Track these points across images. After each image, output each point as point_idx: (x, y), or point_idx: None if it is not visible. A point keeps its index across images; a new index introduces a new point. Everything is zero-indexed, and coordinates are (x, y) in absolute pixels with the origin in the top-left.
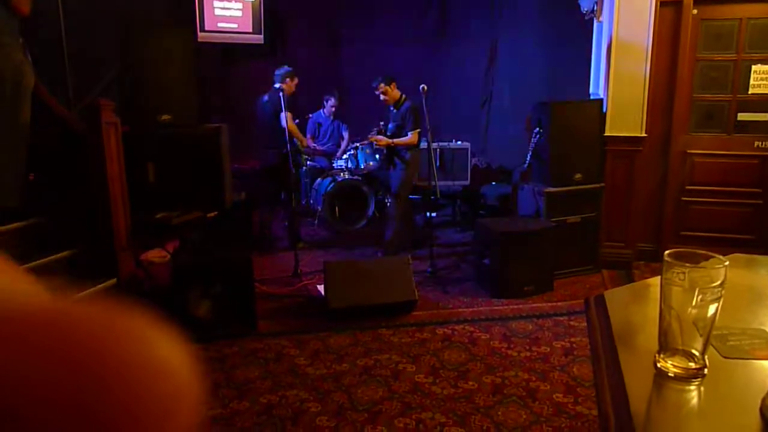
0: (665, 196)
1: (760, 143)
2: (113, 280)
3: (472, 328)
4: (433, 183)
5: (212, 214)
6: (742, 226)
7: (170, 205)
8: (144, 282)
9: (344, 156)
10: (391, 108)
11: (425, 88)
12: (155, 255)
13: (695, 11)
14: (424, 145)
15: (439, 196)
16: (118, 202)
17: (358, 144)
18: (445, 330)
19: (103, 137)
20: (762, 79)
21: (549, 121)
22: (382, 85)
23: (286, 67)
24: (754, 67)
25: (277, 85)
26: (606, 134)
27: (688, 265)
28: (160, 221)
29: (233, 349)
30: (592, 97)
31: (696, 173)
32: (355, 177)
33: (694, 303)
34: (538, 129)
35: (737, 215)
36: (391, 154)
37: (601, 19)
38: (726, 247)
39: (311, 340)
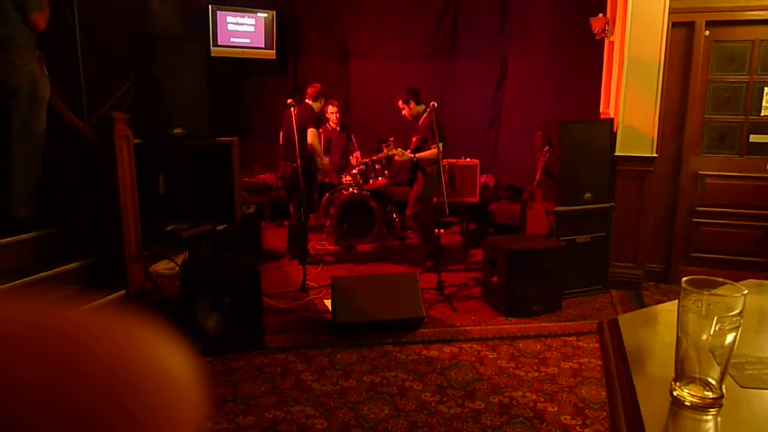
0: (675, 216)
1: None
2: (122, 292)
3: (479, 347)
4: (442, 199)
5: (221, 227)
6: (753, 249)
7: (180, 217)
8: (152, 293)
9: (354, 170)
10: (415, 121)
11: (435, 104)
12: (164, 267)
13: (707, 32)
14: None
15: (448, 212)
16: (129, 213)
17: (368, 159)
18: (453, 348)
19: (115, 149)
20: None
21: (559, 140)
22: (401, 102)
23: (318, 86)
24: (766, 89)
25: (308, 101)
26: (616, 154)
27: (705, 292)
28: (170, 233)
29: (240, 363)
30: (602, 117)
31: (707, 194)
32: (364, 192)
33: (711, 331)
34: (548, 147)
35: (749, 237)
36: (415, 167)
37: (612, 38)
38: (737, 269)
39: (318, 355)
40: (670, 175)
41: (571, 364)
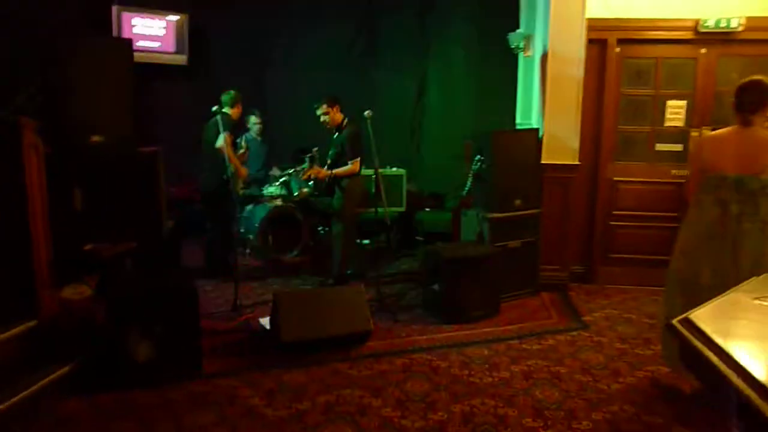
0: (594, 220)
1: (676, 171)
2: (33, 322)
3: (429, 357)
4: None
5: (146, 244)
6: (663, 248)
7: (100, 234)
8: (68, 322)
9: (276, 183)
10: (333, 132)
11: (370, 113)
12: (72, 291)
13: (618, 49)
14: (366, 171)
15: (389, 222)
16: (39, 234)
17: (291, 171)
18: (404, 360)
19: (23, 161)
20: (675, 114)
21: (492, 149)
22: (325, 106)
23: (232, 92)
24: (668, 102)
25: (225, 110)
26: (543, 162)
27: None
28: (89, 254)
29: (179, 394)
30: (518, 127)
31: (621, 199)
32: (289, 204)
33: None
34: (479, 156)
35: (659, 238)
36: (332, 182)
37: (528, 53)
38: (650, 267)
39: (263, 378)
40: (590, 181)
41: (521, 367)
